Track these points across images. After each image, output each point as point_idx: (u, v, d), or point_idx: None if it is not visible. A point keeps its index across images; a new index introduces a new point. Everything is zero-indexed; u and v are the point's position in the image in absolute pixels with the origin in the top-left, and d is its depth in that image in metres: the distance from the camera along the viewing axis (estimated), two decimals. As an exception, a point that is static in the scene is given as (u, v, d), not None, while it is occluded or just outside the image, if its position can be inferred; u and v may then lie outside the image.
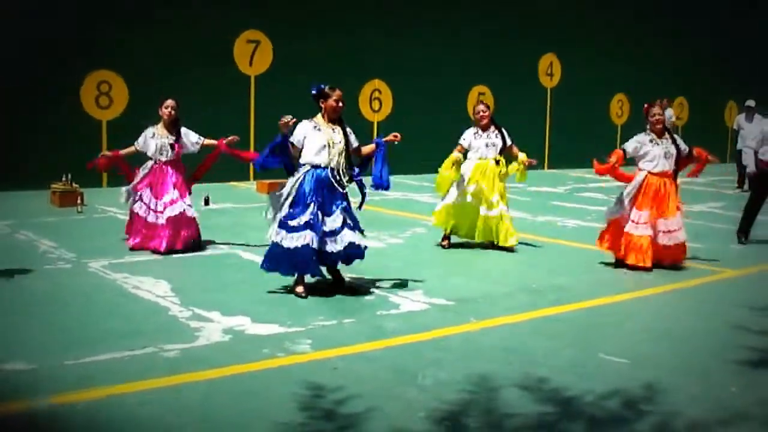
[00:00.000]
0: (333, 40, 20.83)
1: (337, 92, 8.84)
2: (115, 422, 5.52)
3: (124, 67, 18.15)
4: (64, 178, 15.58)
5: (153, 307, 8.48)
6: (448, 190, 11.91)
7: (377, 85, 21.75)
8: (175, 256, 11.01)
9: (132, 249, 11.25)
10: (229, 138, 11.37)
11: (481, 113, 12.03)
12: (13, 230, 12.73)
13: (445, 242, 12.16)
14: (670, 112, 25.35)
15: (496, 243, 11.91)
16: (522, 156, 12.01)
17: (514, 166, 12.08)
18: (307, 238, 8.59)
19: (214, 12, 19.27)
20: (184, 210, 11.20)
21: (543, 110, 25.54)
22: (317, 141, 8.70)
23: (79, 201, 15.16)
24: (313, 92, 8.90)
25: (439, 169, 11.87)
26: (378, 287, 9.31)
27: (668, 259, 10.69)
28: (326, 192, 8.78)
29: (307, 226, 8.62)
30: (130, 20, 18.01)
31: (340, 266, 9.28)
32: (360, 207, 9.25)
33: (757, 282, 10.44)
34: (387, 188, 9.22)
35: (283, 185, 9.00)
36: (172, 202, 11.14)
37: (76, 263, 10.48)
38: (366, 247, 9.15)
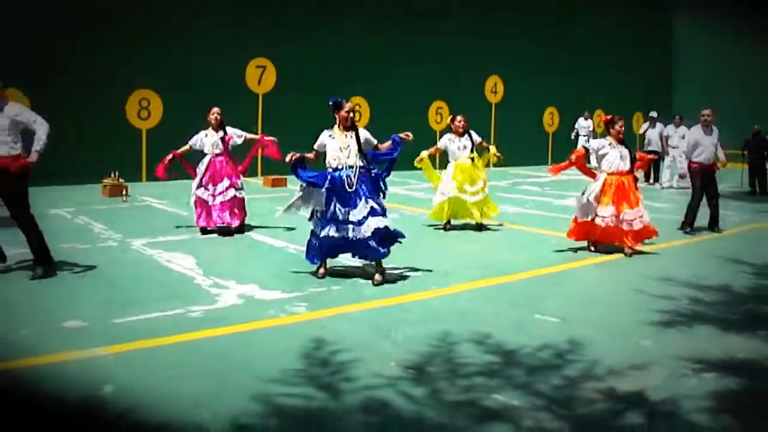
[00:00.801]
0: (324, 66, 20.78)
1: (348, 105, 8.43)
2: (153, 368, 5.53)
3: (161, 87, 18.06)
4: (112, 175, 15.54)
5: (182, 277, 8.45)
6: (437, 184, 12.01)
7: (358, 101, 21.66)
8: (199, 237, 10.96)
9: (203, 228, 11.18)
10: (268, 139, 11.50)
11: (461, 123, 12.03)
12: (73, 216, 12.65)
13: (447, 226, 12.12)
14: (589, 123, 25.39)
15: (487, 218, 12.06)
16: (492, 149, 12.21)
17: (486, 156, 12.24)
18: (330, 230, 8.24)
19: (230, 43, 19.19)
20: (234, 194, 11.18)
21: (489, 120, 25.51)
22: (332, 148, 8.35)
23: (124, 193, 15.14)
24: (330, 103, 8.44)
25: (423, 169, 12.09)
26: (359, 261, 9.20)
27: (638, 240, 10.32)
28: (344, 189, 8.23)
29: (330, 220, 8.25)
30: (166, 51, 17.94)
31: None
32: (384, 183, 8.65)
33: (662, 257, 10.42)
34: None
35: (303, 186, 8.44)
36: (225, 189, 11.11)
37: (122, 242, 10.42)
38: (395, 230, 8.48)
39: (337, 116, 8.44)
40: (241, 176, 11.38)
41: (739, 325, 6.99)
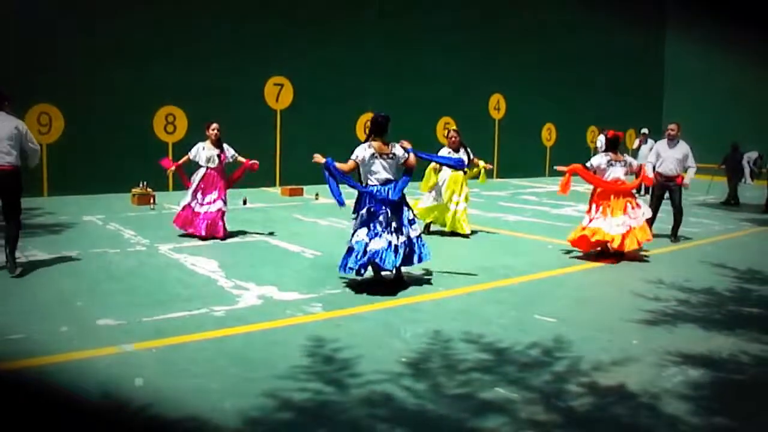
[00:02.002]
0: (337, 84, 20.88)
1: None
2: (180, 362, 5.60)
3: (185, 104, 18.20)
4: (141, 185, 15.65)
5: (206, 279, 8.52)
6: (430, 190, 12.10)
7: (370, 116, 21.68)
8: (221, 242, 11.03)
9: (179, 228, 11.36)
10: (252, 162, 11.50)
11: (453, 137, 12.20)
12: (104, 222, 12.74)
13: (426, 230, 12.18)
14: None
15: (456, 231, 12.07)
16: (482, 163, 12.24)
17: (475, 170, 12.33)
18: None
19: (251, 64, 19.36)
20: (220, 208, 11.26)
21: (492, 135, 25.56)
22: None
23: (152, 201, 15.22)
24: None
25: (425, 178, 12.15)
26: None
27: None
28: None
29: None
30: (190, 71, 18.10)
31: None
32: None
33: (654, 262, 10.45)
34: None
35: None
36: (214, 201, 11.21)
37: (150, 246, 10.51)
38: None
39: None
40: (226, 192, 11.48)
41: (722, 324, 7.05)
